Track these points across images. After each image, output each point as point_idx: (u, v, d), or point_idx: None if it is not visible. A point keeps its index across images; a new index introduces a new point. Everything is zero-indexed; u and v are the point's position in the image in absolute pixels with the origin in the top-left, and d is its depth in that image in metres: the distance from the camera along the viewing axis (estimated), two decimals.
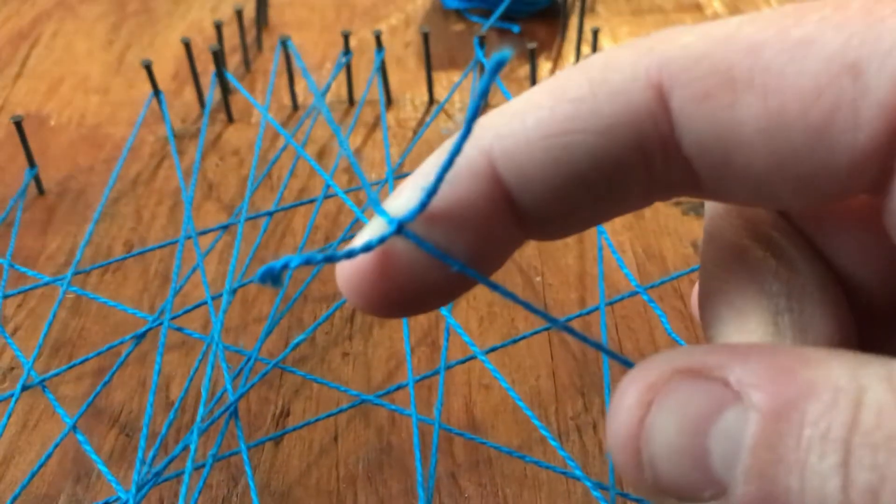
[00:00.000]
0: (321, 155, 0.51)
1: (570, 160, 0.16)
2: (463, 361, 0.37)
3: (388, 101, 0.55)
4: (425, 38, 0.53)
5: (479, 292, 0.41)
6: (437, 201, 0.16)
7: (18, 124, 0.47)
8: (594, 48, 0.54)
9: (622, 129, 0.16)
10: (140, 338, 0.39)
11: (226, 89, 0.53)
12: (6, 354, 0.39)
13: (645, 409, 0.15)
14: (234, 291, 0.40)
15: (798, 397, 0.14)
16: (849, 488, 0.13)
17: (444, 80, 0.57)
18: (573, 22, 0.61)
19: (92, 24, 0.65)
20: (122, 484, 0.33)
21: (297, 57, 0.49)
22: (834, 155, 0.14)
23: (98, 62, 0.61)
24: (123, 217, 0.47)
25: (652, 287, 0.40)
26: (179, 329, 0.39)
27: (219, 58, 0.52)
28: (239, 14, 0.57)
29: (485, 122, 0.17)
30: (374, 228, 0.17)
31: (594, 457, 0.34)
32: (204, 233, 0.45)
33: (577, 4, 0.61)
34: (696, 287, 0.19)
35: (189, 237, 0.43)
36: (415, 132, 0.52)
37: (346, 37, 0.54)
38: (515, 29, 0.61)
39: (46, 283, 0.42)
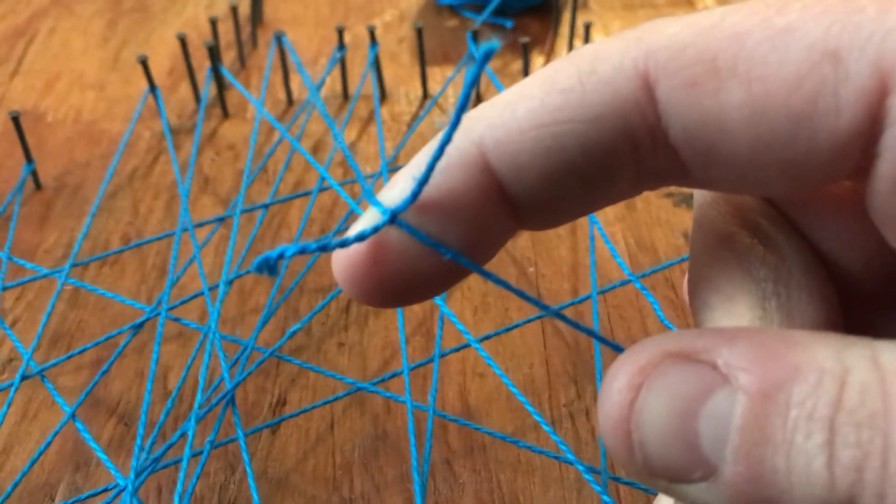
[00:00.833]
0: (316, 149, 0.51)
1: (559, 149, 0.16)
2: (457, 350, 0.38)
3: (383, 96, 0.55)
4: (419, 33, 0.53)
5: (473, 283, 0.42)
6: (431, 191, 0.17)
7: (16, 120, 0.47)
8: (586, 43, 0.54)
9: (610, 118, 0.16)
10: (138, 328, 0.39)
11: (221, 85, 0.54)
12: (5, 346, 0.40)
13: (635, 392, 0.15)
14: (230, 282, 0.41)
15: (784, 379, 0.14)
16: (833, 466, 0.13)
17: (438, 75, 0.57)
18: (566, 17, 0.62)
19: (88, 21, 0.65)
20: (121, 471, 0.33)
21: (291, 52, 0.50)
22: (817, 141, 0.15)
23: (94, 59, 0.61)
24: (120, 211, 0.47)
25: (644, 276, 0.41)
26: (177, 319, 0.39)
27: (214, 53, 0.52)
28: (234, 10, 0.58)
29: (476, 114, 0.17)
30: (368, 219, 0.17)
31: (587, 442, 0.35)
32: (200, 225, 0.45)
33: (570, 0, 0.61)
34: (687, 275, 0.20)
35: (186, 230, 0.43)
36: (409, 126, 0.53)
37: (340, 32, 0.54)
38: (508, 24, 0.62)
39: (45, 276, 0.42)
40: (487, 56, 0.14)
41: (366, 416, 0.36)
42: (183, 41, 0.52)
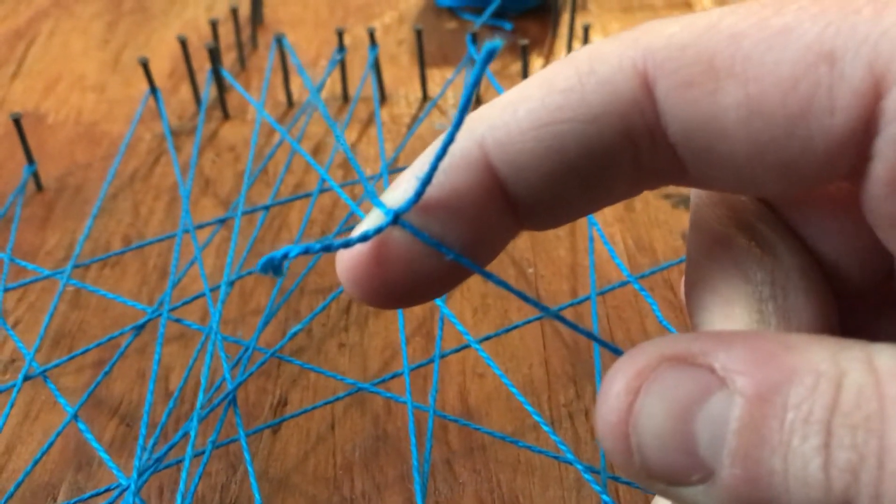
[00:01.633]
0: (316, 150, 0.51)
1: (560, 149, 0.16)
2: (457, 350, 0.38)
3: (382, 98, 0.55)
4: (418, 35, 0.53)
5: (473, 284, 0.42)
6: (433, 192, 0.17)
7: (17, 122, 0.47)
8: (585, 44, 0.55)
9: (610, 118, 0.16)
10: (139, 329, 0.39)
11: (222, 86, 0.54)
12: (7, 347, 0.40)
13: (633, 395, 0.15)
14: (231, 283, 0.41)
15: (781, 382, 0.14)
16: (830, 468, 0.13)
17: (438, 77, 0.57)
18: (564, 19, 0.62)
19: (88, 22, 0.65)
20: (123, 472, 0.34)
21: (292, 54, 0.50)
22: (812, 140, 0.15)
23: (94, 60, 0.61)
24: (121, 212, 0.48)
25: (642, 277, 0.41)
26: (178, 320, 0.40)
27: (215, 55, 0.52)
28: (234, 12, 0.58)
29: (478, 115, 0.17)
30: (371, 220, 0.17)
31: (586, 442, 0.35)
32: (201, 227, 0.45)
33: (569, 1, 0.62)
34: (684, 277, 0.20)
35: (187, 231, 0.43)
36: (408, 128, 0.53)
37: (340, 34, 0.54)
38: (507, 26, 0.62)
39: (46, 277, 0.42)
40: (490, 55, 0.14)
41: (366, 417, 0.37)
42: (183, 43, 0.52)
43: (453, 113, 0.53)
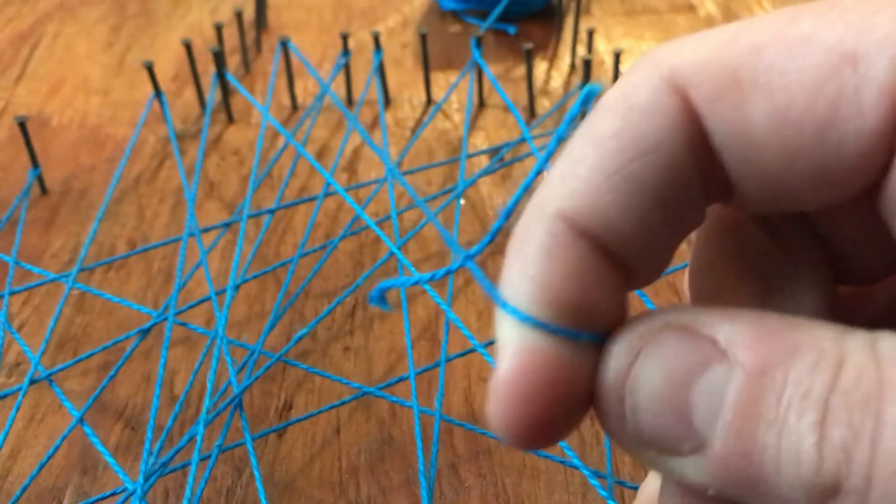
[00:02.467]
0: (321, 154, 0.52)
1: (639, 187, 0.16)
2: (463, 354, 0.38)
3: (387, 101, 0.55)
4: (423, 39, 0.53)
5: (478, 288, 0.42)
6: (551, 288, 0.16)
7: (22, 125, 0.47)
8: (589, 48, 0.55)
9: (668, 136, 0.16)
10: (145, 333, 0.39)
11: (226, 90, 0.54)
12: (13, 350, 0.40)
13: (633, 357, 0.15)
14: (237, 287, 0.41)
15: (783, 357, 0.14)
16: (823, 446, 0.13)
17: (442, 81, 0.57)
18: (568, 22, 0.62)
19: (92, 25, 0.66)
20: (129, 475, 0.34)
21: (298, 55, 0.50)
22: (843, 143, 0.15)
23: (99, 64, 0.61)
24: (126, 216, 0.48)
25: None
26: (183, 324, 0.40)
27: (219, 59, 0.52)
28: (238, 16, 0.58)
29: (540, 198, 0.16)
30: (505, 331, 0.16)
31: (592, 447, 0.35)
32: (206, 230, 0.45)
33: (572, 5, 0.62)
34: (688, 268, 0.20)
35: (192, 234, 0.43)
36: (413, 131, 0.53)
37: (344, 38, 0.54)
38: (511, 30, 0.62)
39: (51, 280, 0.43)
40: (588, 99, 0.14)
41: (372, 421, 0.37)
42: (188, 46, 0.53)
43: (459, 118, 0.53)
